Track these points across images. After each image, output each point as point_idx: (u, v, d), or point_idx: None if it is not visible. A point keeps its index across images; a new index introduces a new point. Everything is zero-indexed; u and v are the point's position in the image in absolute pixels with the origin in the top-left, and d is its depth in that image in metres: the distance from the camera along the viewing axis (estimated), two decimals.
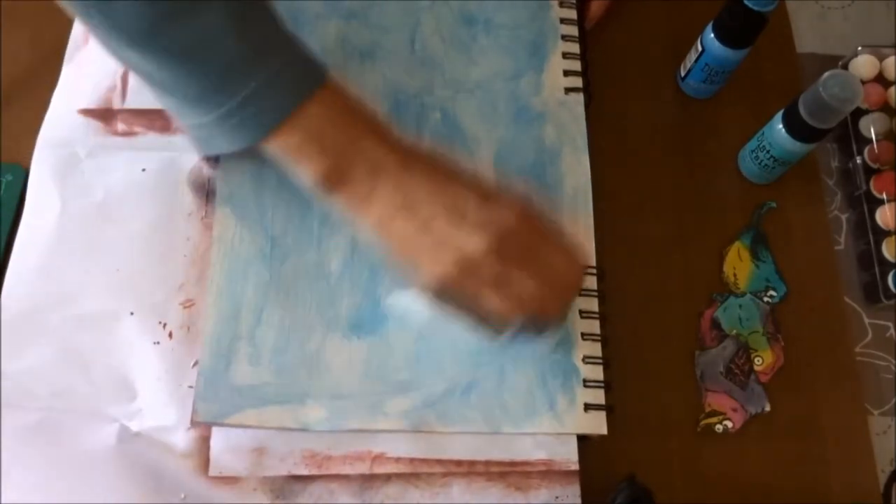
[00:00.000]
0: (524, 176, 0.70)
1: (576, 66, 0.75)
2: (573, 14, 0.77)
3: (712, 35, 0.71)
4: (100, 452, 0.59)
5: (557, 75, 0.74)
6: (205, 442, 0.60)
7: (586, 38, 0.77)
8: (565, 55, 0.75)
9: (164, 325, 0.63)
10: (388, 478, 0.61)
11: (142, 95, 0.69)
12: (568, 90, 0.74)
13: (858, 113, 0.77)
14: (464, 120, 0.72)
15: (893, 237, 0.73)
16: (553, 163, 0.71)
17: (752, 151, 0.73)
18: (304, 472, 0.60)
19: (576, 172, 0.71)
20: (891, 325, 0.73)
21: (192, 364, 0.62)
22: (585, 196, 0.70)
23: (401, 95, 0.72)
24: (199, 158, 0.68)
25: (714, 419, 0.67)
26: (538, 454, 0.62)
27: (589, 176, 0.71)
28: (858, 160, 0.76)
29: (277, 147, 0.54)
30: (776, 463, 0.66)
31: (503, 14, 0.76)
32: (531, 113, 0.73)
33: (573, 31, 0.77)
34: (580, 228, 0.68)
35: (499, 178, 0.70)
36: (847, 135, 0.78)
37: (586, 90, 0.75)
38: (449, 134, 0.71)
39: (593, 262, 0.68)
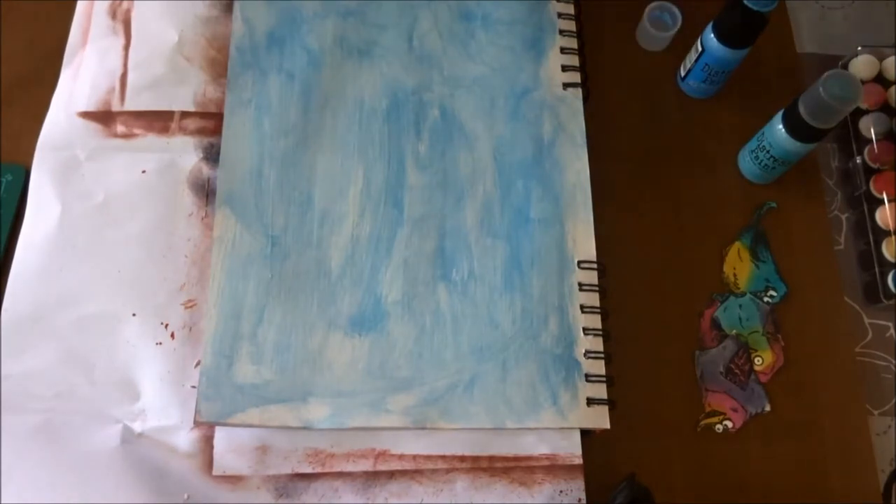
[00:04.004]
0: (523, 171, 0.73)
1: (574, 61, 0.78)
2: (571, 9, 0.80)
3: (712, 35, 0.74)
4: (103, 453, 0.62)
5: (556, 70, 0.77)
6: (208, 441, 0.63)
7: (584, 32, 0.80)
8: (563, 50, 0.78)
9: (167, 325, 0.66)
10: (391, 475, 0.63)
11: (141, 97, 0.73)
12: (566, 85, 0.77)
13: (858, 113, 0.78)
14: (462, 116, 0.75)
15: (893, 237, 0.74)
16: (552, 158, 0.74)
17: (752, 151, 0.75)
18: (307, 470, 0.63)
19: (575, 167, 0.74)
20: (891, 325, 0.75)
21: (194, 364, 0.65)
22: (584, 190, 0.73)
23: (399, 93, 0.75)
24: (198, 159, 0.71)
25: (714, 419, 0.70)
26: (541, 449, 0.65)
27: (587, 170, 0.73)
28: (858, 160, 0.77)
29: None
30: (776, 463, 0.69)
31: (501, 9, 0.79)
32: (529, 108, 0.76)
33: (571, 25, 0.79)
34: (579, 223, 0.72)
35: (498, 174, 0.73)
36: (847, 135, 0.80)
37: (584, 85, 0.77)
38: (448, 130, 0.74)
39: (593, 257, 0.71)
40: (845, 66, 0.81)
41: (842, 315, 0.75)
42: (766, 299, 0.74)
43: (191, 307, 0.67)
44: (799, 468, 0.69)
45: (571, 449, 0.65)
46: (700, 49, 0.76)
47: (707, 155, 0.79)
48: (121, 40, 0.75)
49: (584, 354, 0.67)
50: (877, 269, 0.74)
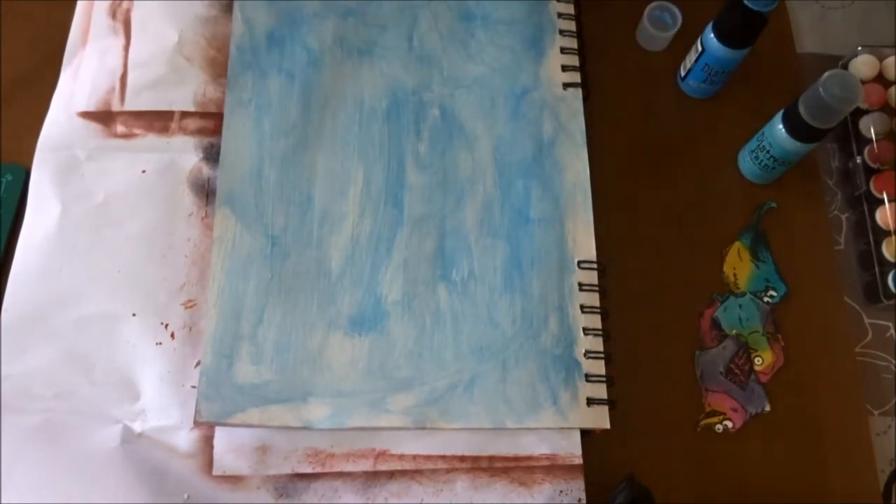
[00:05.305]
0: (523, 171, 0.73)
1: (574, 61, 0.78)
2: (571, 9, 0.80)
3: (712, 35, 0.74)
4: (103, 454, 0.62)
5: (556, 70, 0.77)
6: (208, 442, 0.63)
7: (584, 32, 0.80)
8: (563, 50, 0.78)
9: (167, 325, 0.66)
10: (391, 475, 0.64)
11: (141, 97, 0.73)
12: (566, 85, 0.77)
13: (858, 113, 0.78)
14: (462, 116, 0.75)
15: (893, 237, 0.74)
16: (552, 158, 0.74)
17: (752, 151, 0.75)
18: (307, 470, 0.63)
19: (575, 167, 0.74)
20: (891, 325, 0.75)
21: (194, 364, 0.65)
22: (584, 190, 0.73)
23: (399, 93, 0.75)
24: (198, 159, 0.71)
25: (714, 419, 0.70)
26: (541, 449, 0.65)
27: (588, 170, 0.73)
28: (858, 160, 0.77)
29: None
30: (776, 463, 0.69)
31: (501, 9, 0.79)
32: (529, 108, 0.76)
33: (571, 25, 0.79)
34: (579, 223, 0.72)
35: (498, 174, 0.73)
36: (847, 135, 0.80)
37: (584, 85, 0.77)
38: (448, 130, 0.74)
39: (593, 257, 0.71)
40: (845, 66, 0.81)
41: (842, 315, 0.75)
42: (766, 299, 0.74)
43: (191, 307, 0.67)
44: (799, 468, 0.69)
45: (571, 449, 0.65)
46: (700, 49, 0.76)
47: (707, 155, 0.79)
48: (121, 40, 0.75)
49: (584, 354, 0.68)
50: (877, 269, 0.74)
